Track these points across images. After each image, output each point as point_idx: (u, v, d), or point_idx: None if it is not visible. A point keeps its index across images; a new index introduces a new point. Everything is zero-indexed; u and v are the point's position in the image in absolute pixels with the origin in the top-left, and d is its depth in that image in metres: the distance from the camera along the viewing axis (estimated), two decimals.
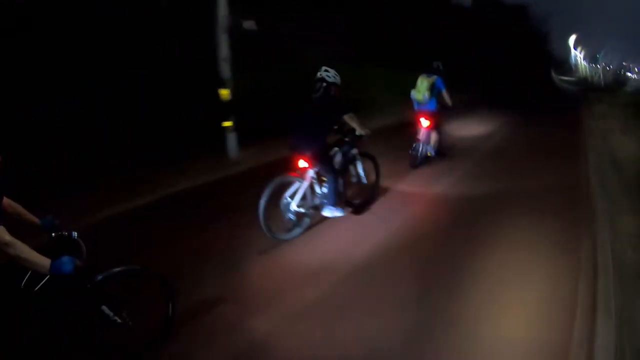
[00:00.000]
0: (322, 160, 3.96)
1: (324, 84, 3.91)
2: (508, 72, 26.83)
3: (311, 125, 3.86)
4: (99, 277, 2.09)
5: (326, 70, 3.95)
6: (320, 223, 4.16)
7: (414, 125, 6.31)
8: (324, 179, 4.06)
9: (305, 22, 9.74)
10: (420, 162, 6.28)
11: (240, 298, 2.97)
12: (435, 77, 6.06)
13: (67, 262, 1.78)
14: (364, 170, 4.55)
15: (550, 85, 34.16)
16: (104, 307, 2.11)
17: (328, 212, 4.07)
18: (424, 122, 6.15)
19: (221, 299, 2.93)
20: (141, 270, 2.33)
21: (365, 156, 4.58)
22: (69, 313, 2.02)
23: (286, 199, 3.84)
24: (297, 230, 3.91)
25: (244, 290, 3.10)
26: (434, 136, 6.43)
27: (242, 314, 2.76)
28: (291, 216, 3.85)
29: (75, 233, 2.11)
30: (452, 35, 18.92)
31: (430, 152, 6.49)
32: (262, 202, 3.58)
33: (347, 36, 11.19)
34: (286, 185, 3.85)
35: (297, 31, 9.51)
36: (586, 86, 34.25)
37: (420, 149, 6.25)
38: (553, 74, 46.67)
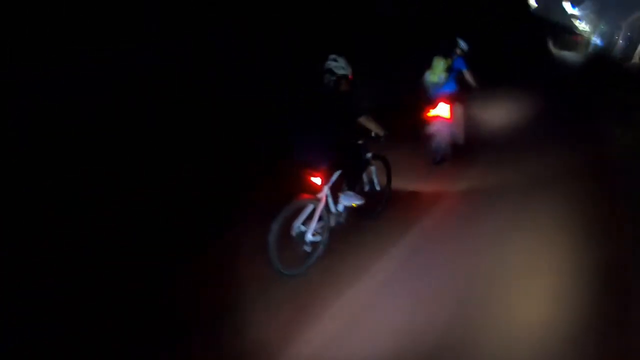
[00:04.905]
0: (339, 167, 3.37)
1: (333, 78, 3.10)
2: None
3: (320, 132, 3.07)
4: None
5: (334, 60, 3.12)
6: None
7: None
8: (341, 193, 3.42)
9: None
10: (441, 158, 5.55)
11: None
12: (454, 57, 5.47)
13: None
14: (376, 174, 3.91)
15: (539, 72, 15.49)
16: None
17: (346, 199, 3.42)
18: (443, 107, 5.35)
19: None
20: None
21: (375, 158, 3.87)
22: None
23: (299, 227, 3.14)
24: (310, 261, 3.24)
25: None
26: (459, 114, 5.67)
27: None
28: (307, 248, 3.16)
29: None
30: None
31: (459, 139, 5.83)
32: (272, 238, 2.86)
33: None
34: (297, 211, 3.13)
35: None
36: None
37: (440, 141, 5.50)
38: (551, 49, 27.97)
